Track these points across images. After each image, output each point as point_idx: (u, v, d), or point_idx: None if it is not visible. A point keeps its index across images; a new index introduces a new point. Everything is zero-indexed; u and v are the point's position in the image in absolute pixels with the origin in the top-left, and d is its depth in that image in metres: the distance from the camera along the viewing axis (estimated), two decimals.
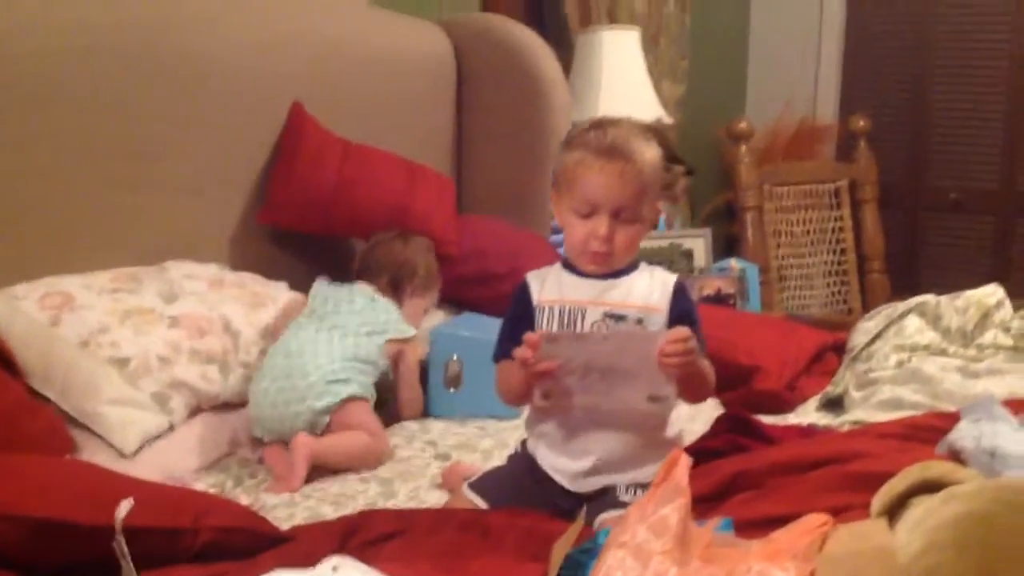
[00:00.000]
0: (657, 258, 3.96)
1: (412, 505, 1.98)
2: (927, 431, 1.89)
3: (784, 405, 2.48)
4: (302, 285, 2.56)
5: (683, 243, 4.13)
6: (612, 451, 1.75)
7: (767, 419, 2.38)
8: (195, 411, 2.25)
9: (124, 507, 1.25)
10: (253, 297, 2.48)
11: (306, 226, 2.75)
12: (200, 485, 2.06)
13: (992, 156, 4.45)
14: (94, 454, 2.05)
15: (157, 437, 2.14)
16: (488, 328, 2.63)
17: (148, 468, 2.04)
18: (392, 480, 2.11)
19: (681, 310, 1.76)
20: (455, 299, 2.88)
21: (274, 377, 2.26)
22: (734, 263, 3.96)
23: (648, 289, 1.76)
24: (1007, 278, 4.38)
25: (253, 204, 2.76)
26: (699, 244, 4.25)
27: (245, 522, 1.58)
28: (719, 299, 3.72)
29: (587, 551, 1.48)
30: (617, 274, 1.76)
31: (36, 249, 2.34)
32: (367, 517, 1.70)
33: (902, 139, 4.62)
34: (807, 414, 2.44)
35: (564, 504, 1.77)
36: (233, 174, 2.72)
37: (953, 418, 1.90)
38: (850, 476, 1.70)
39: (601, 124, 1.74)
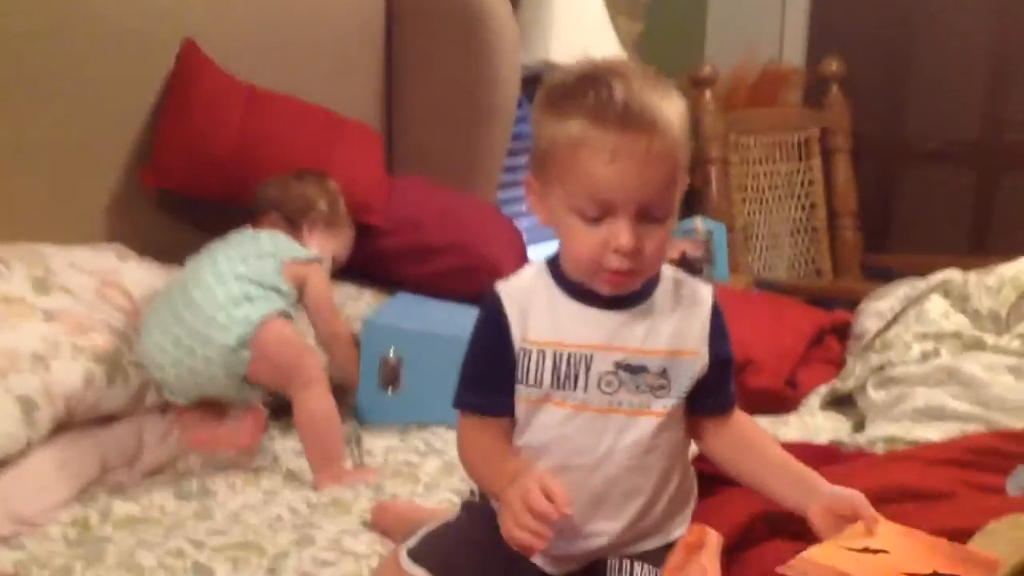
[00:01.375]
0: None
1: (333, 556, 1.54)
2: (991, 456, 1.50)
3: (784, 405, 2.08)
4: None
5: None
6: (625, 530, 1.28)
7: (765, 422, 1.99)
8: (62, 427, 1.77)
9: None
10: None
11: (202, 190, 2.26)
12: (55, 528, 1.61)
13: (975, 104, 4.09)
14: None
15: (7, 463, 1.66)
16: (432, 316, 2.23)
17: None
18: (311, 517, 1.67)
19: (720, 355, 1.29)
20: (386, 277, 2.43)
21: (164, 328, 1.85)
22: (700, 223, 3.55)
23: (675, 318, 1.26)
24: (987, 236, 4.07)
25: (139, 164, 2.27)
26: None
27: None
28: (686, 264, 3.31)
29: None
30: (633, 297, 1.25)
31: None
32: None
33: (878, 85, 4.24)
34: (812, 414, 2.05)
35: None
36: (113, 127, 2.23)
37: (1021, 439, 1.51)
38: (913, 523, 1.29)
39: (599, 76, 1.18)
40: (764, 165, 4.09)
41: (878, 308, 2.22)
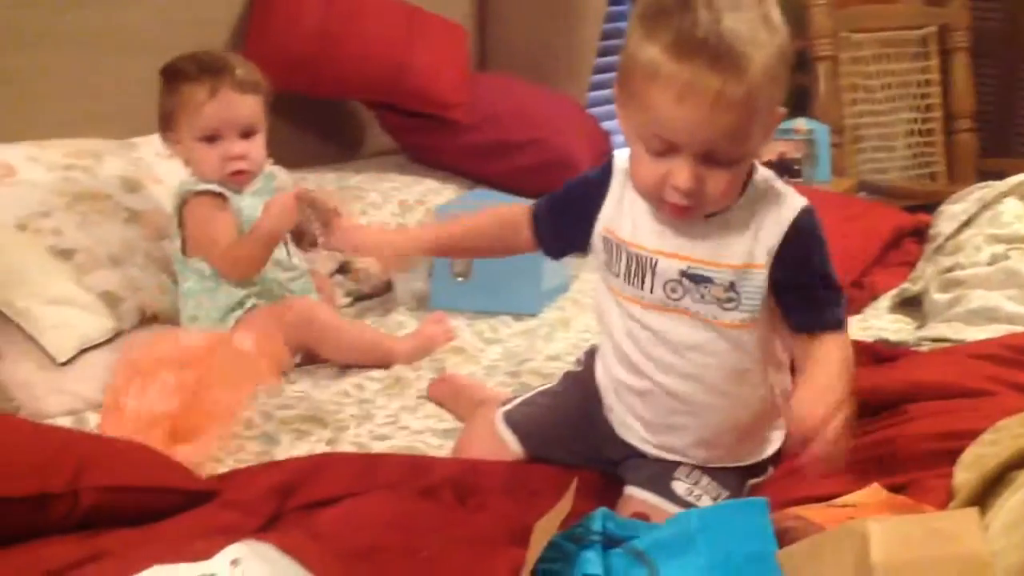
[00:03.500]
0: None
1: (389, 430, 1.64)
2: None
3: (850, 305, 2.07)
4: (294, 157, 2.18)
5: None
6: (698, 436, 1.33)
7: None
8: (150, 319, 1.91)
9: None
10: None
11: (291, 86, 2.35)
12: None
13: None
14: (22, 360, 1.75)
15: (100, 344, 1.81)
16: None
17: (84, 380, 1.74)
18: (375, 396, 1.78)
19: (800, 275, 1.24)
20: (468, 174, 2.49)
21: None
22: (801, 124, 3.50)
23: (751, 231, 1.23)
24: None
25: None
26: None
27: (146, 477, 1.26)
28: (782, 166, 3.27)
29: (576, 538, 1.13)
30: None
31: None
32: (316, 467, 1.36)
33: None
34: (879, 316, 2.04)
35: (613, 453, 1.38)
36: (200, 27, 2.33)
37: None
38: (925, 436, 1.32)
39: None
40: (877, 64, 3.97)
41: (953, 211, 2.18)
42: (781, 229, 1.23)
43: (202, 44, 2.27)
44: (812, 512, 1.21)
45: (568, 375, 1.50)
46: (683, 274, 1.24)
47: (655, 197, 1.20)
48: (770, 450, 1.37)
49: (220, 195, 1.87)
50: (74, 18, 2.13)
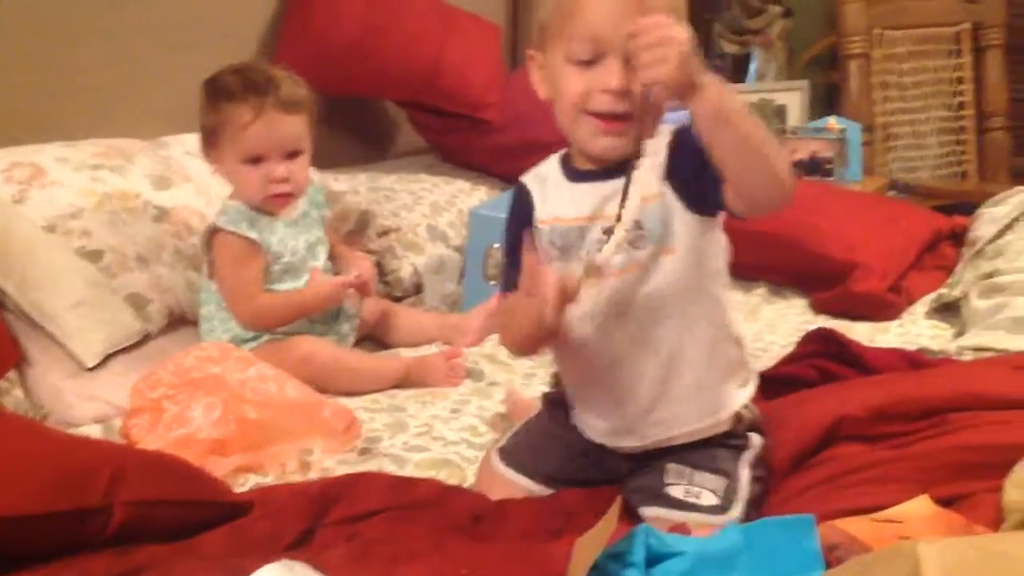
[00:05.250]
0: None
1: (422, 442, 1.62)
2: None
3: (887, 310, 2.05)
4: (324, 157, 2.15)
5: (775, 98, 3.64)
6: (652, 397, 1.31)
7: (864, 328, 1.98)
8: (178, 320, 1.92)
9: None
10: None
11: (323, 86, 2.32)
12: None
13: None
14: (50, 367, 1.76)
15: (129, 348, 1.81)
16: None
17: (112, 387, 1.73)
18: (405, 404, 1.76)
19: (686, 159, 1.22)
20: (497, 173, 2.46)
21: None
22: (833, 122, 3.46)
23: (649, 168, 1.25)
24: None
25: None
26: (794, 99, 3.75)
27: (180, 491, 1.24)
28: (814, 165, 3.24)
29: (618, 556, 1.10)
30: (624, 166, 1.26)
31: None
32: (350, 484, 1.34)
33: None
34: (915, 322, 2.01)
35: (620, 467, 1.36)
36: (235, 23, 2.32)
37: None
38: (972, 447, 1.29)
39: None
40: (910, 62, 3.93)
41: (994, 214, 2.15)
42: (662, 152, 1.25)
43: (236, 42, 2.28)
44: (858, 526, 1.18)
45: (545, 397, 1.50)
46: (605, 231, 1.26)
47: (581, 111, 1.24)
48: (732, 405, 1.33)
49: (251, 241, 1.84)
50: (110, 15, 2.11)
